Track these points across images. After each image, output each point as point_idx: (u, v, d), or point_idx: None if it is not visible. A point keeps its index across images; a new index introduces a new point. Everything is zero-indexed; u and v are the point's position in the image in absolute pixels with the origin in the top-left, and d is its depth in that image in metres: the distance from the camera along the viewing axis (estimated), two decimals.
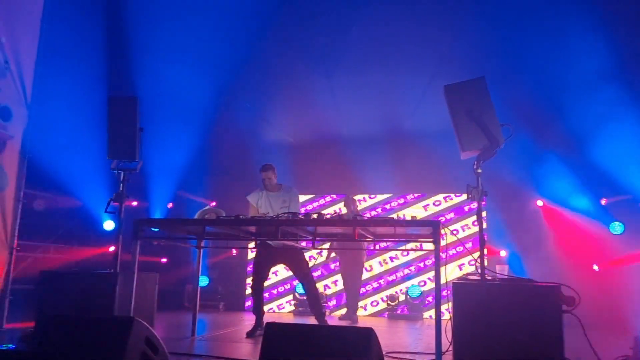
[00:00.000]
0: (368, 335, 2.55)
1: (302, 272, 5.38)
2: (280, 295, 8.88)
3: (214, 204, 8.76)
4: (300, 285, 8.14)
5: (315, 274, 7.56)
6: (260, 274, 5.39)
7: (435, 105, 5.33)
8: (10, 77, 5.39)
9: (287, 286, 8.82)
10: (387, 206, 8.84)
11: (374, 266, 8.61)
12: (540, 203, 7.92)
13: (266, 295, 7.39)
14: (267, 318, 4.72)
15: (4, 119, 5.36)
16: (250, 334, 5.20)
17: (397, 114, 7.92)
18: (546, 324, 3.45)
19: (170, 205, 8.78)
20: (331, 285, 8.72)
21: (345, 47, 6.78)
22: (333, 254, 7.79)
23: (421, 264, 8.43)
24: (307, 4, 6.34)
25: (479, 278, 3.88)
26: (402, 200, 8.82)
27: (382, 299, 8.43)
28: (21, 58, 5.53)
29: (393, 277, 8.53)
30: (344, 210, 7.22)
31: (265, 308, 6.06)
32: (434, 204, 8.66)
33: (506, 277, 4.24)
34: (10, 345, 4.01)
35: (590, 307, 4.17)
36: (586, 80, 6.32)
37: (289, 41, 6.88)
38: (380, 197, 8.90)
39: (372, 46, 6.77)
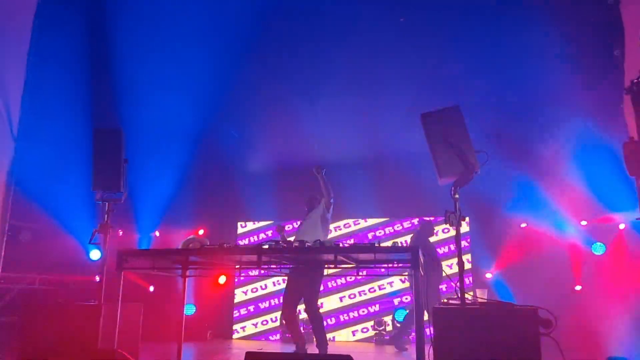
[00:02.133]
0: None
1: (310, 301, 5.36)
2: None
3: (201, 231, 8.78)
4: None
5: None
6: (286, 302, 5.44)
7: (417, 130, 5.47)
8: None
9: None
10: (376, 232, 8.91)
11: (365, 292, 8.63)
12: (523, 225, 8.03)
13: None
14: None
15: None
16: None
17: (380, 138, 8.05)
18: (524, 346, 3.51)
19: (156, 233, 8.78)
20: None
21: (329, 73, 6.93)
22: None
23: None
24: (290, 31, 6.50)
25: (459, 302, 3.95)
26: (391, 228, 8.90)
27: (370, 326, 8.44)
28: (8, 92, 5.62)
29: (376, 307, 8.55)
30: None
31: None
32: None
33: (486, 301, 4.31)
34: None
35: (568, 329, 4.24)
36: (564, 100, 6.50)
37: (272, 67, 7.03)
38: (367, 222, 8.98)
39: (355, 72, 6.93)
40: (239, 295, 9.09)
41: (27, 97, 5.77)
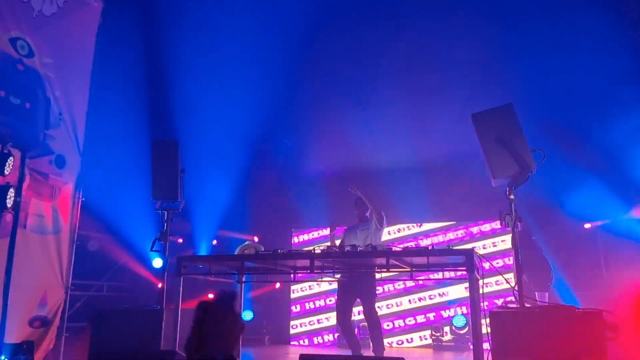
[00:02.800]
0: None
1: (370, 306, 5.33)
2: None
3: (256, 239, 8.96)
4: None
5: None
6: (340, 309, 5.42)
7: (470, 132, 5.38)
8: (64, 127, 5.82)
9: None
10: (442, 237, 8.79)
11: (415, 298, 8.53)
12: (587, 226, 7.68)
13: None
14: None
15: (59, 166, 5.77)
16: None
17: (432, 142, 7.95)
18: (589, 351, 3.37)
19: (214, 242, 9.03)
20: None
21: (379, 79, 6.94)
22: None
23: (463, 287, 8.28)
24: (340, 39, 6.55)
25: (517, 306, 3.83)
26: (461, 232, 8.75)
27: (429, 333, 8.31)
28: (74, 108, 5.98)
29: (445, 312, 8.40)
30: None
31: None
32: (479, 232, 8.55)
33: (546, 304, 4.16)
34: None
35: (637, 334, 4.01)
36: (620, 92, 6.19)
37: (323, 76, 7.11)
38: (421, 227, 8.87)
39: (405, 77, 6.90)
40: (296, 292, 9.18)
41: (91, 113, 6.11)
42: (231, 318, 1.52)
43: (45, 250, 5.57)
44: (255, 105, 7.22)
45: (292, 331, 8.98)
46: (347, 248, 4.20)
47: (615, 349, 3.31)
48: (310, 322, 8.96)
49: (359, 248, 4.19)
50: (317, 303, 9.01)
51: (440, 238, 8.74)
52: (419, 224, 8.89)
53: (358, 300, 5.40)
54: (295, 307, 9.12)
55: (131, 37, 6.50)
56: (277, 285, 9.07)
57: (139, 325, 4.53)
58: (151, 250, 4.90)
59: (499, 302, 7.34)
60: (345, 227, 5.81)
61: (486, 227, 8.57)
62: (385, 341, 8.01)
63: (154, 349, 4.20)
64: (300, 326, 9.00)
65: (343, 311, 5.41)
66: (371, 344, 5.34)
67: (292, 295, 9.12)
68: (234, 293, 1.59)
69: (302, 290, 9.14)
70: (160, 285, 6.77)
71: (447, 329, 7.98)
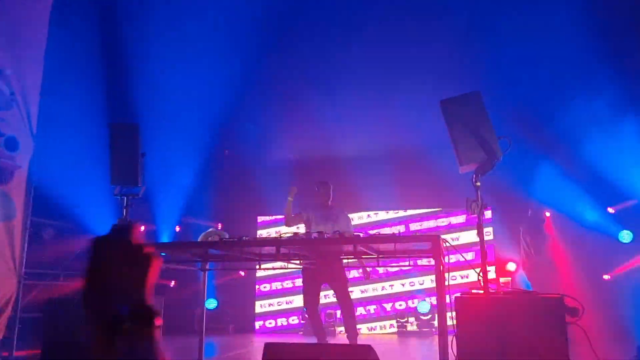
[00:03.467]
0: (367, 352, 2.55)
1: (344, 293, 5.27)
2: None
3: (220, 225, 8.80)
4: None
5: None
6: (308, 296, 5.32)
7: (437, 120, 5.37)
8: (16, 108, 5.52)
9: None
10: (404, 226, 8.83)
11: (384, 286, 8.56)
12: (547, 214, 7.86)
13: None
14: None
15: (10, 149, 5.47)
16: None
17: (400, 130, 7.95)
18: (550, 335, 3.42)
19: (177, 228, 8.83)
20: None
21: (345, 65, 6.87)
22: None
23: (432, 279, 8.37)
24: (306, 24, 6.44)
25: (482, 292, 3.86)
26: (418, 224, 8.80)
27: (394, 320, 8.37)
28: (26, 89, 5.66)
29: (410, 302, 8.46)
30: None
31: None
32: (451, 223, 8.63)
33: (509, 290, 4.21)
34: None
35: (596, 317, 4.11)
36: (582, 81, 6.31)
37: (290, 60, 6.98)
38: (388, 214, 8.89)
39: (372, 63, 6.85)
40: (262, 272, 9.06)
41: (45, 94, 5.80)
42: (131, 253, 1.13)
43: None
44: (219, 89, 7.04)
45: (257, 310, 8.91)
46: (314, 234, 4.13)
47: (575, 332, 3.37)
48: (278, 302, 8.88)
49: (325, 235, 4.12)
50: (285, 284, 8.93)
51: (415, 226, 8.78)
52: (386, 211, 8.91)
53: (326, 285, 5.35)
54: (264, 287, 9.03)
55: (87, 15, 6.22)
56: (242, 273, 8.96)
57: None
58: None
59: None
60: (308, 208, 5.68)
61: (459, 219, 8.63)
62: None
63: None
64: (269, 306, 8.92)
65: (310, 297, 5.33)
66: (346, 333, 5.29)
67: (258, 274, 8.99)
68: (132, 223, 1.23)
69: (267, 270, 9.02)
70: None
71: (412, 319, 8.06)
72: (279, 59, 6.93)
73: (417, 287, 8.45)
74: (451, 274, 4.57)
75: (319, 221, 5.39)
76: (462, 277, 7.99)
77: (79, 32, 6.25)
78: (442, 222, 8.66)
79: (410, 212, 8.87)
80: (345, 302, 5.25)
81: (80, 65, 6.31)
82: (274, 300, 8.93)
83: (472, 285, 7.17)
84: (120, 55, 6.55)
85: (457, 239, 8.32)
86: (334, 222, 5.35)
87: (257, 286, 9.05)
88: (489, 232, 7.92)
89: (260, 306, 8.98)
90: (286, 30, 6.47)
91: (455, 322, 3.69)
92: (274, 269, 8.32)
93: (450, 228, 8.53)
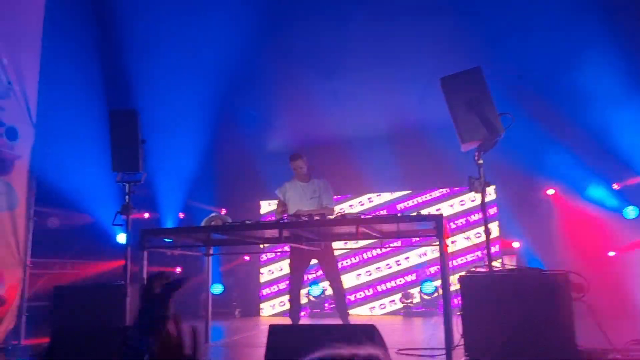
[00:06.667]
0: (371, 331, 2.55)
1: (333, 271, 5.28)
2: None
3: (224, 211, 8.81)
4: (315, 286, 8.19)
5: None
6: (296, 278, 5.31)
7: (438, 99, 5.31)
8: (14, 98, 5.47)
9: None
10: (402, 204, 8.80)
11: (391, 265, 8.56)
12: (551, 192, 7.80)
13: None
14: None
15: (11, 139, 5.44)
16: None
17: (401, 110, 7.88)
18: (556, 312, 3.41)
19: (181, 215, 8.84)
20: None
21: (345, 47, 6.78)
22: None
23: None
24: (305, 5, 6.35)
25: (486, 270, 3.85)
26: (419, 198, 8.75)
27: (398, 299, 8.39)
28: (24, 78, 5.61)
29: (412, 277, 8.44)
30: None
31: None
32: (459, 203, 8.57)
33: (514, 267, 4.20)
34: None
35: (601, 293, 4.10)
36: (589, 54, 6.20)
37: (288, 43, 6.89)
38: (393, 195, 8.86)
39: (372, 44, 6.76)
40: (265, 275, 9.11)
41: (43, 82, 5.75)
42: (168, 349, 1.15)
43: (0, 228, 5.30)
44: (219, 74, 6.99)
45: (263, 292, 8.95)
46: (316, 217, 4.12)
47: (581, 308, 3.36)
48: (283, 286, 8.90)
49: (328, 216, 4.11)
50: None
51: (407, 204, 8.74)
52: (391, 192, 8.87)
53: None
54: (269, 271, 9.05)
55: (85, 1, 6.15)
56: (247, 257, 8.98)
57: (102, 301, 4.39)
58: (113, 224, 4.72)
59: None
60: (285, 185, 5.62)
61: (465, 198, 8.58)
62: (356, 310, 8.16)
63: (118, 325, 4.07)
64: (276, 289, 8.95)
65: (297, 275, 5.29)
66: (338, 312, 5.24)
67: (263, 258, 8.99)
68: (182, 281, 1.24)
69: (271, 254, 9.05)
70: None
71: (416, 294, 8.07)
72: (278, 42, 6.84)
73: (422, 259, 8.38)
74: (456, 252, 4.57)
75: (302, 198, 5.32)
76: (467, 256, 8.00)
77: (78, 17, 6.18)
78: (450, 203, 8.59)
79: (414, 194, 8.82)
80: (335, 279, 5.24)
81: (79, 51, 6.26)
82: (280, 284, 8.96)
83: (476, 263, 7.21)
84: (120, 41, 6.49)
85: (465, 219, 8.31)
86: (319, 197, 5.32)
87: (261, 270, 9.08)
88: (493, 210, 7.86)
89: (264, 293, 8.99)
90: (283, 13, 6.39)
91: (460, 301, 3.69)
92: (275, 252, 8.42)
93: (458, 208, 8.48)
